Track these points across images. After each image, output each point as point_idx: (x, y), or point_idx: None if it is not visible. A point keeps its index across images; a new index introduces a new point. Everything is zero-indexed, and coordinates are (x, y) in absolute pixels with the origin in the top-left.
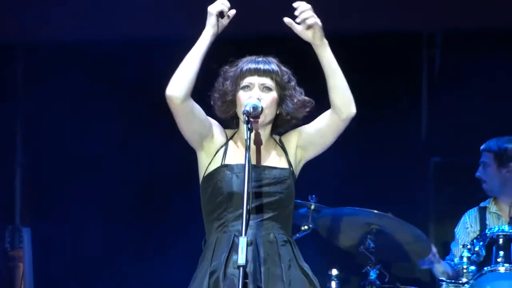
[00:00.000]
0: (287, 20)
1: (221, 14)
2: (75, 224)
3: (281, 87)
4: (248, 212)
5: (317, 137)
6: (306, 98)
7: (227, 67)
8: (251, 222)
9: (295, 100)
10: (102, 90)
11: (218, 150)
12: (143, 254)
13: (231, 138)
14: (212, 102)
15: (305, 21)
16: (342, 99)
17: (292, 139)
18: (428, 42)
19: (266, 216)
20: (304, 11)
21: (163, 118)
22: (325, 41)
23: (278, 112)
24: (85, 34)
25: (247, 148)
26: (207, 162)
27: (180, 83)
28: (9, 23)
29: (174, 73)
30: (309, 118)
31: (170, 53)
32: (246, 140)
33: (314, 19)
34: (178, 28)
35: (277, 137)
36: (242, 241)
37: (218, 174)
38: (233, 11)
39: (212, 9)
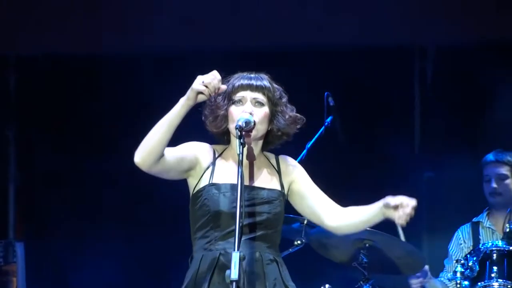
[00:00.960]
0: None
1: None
2: (68, 239)
3: (273, 103)
4: (241, 227)
5: (305, 203)
6: (298, 114)
7: None
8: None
9: (287, 116)
10: (96, 102)
11: (205, 170)
12: (138, 269)
13: (220, 155)
14: (203, 118)
15: (401, 215)
16: (348, 232)
17: (293, 171)
18: (420, 56)
19: (253, 235)
20: (407, 210)
21: None
22: None
23: (269, 128)
24: (81, 46)
25: (240, 163)
26: (195, 182)
27: (148, 153)
28: (3, 35)
29: (144, 139)
30: (299, 134)
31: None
32: (238, 155)
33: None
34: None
35: (271, 155)
36: (235, 256)
37: (205, 192)
38: (223, 87)
39: (196, 86)
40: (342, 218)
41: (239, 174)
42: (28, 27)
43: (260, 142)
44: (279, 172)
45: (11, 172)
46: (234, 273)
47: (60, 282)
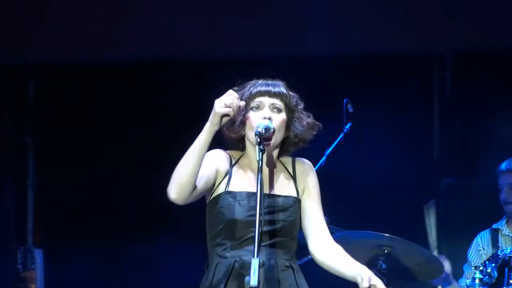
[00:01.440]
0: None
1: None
2: (87, 246)
3: (290, 110)
4: (261, 233)
5: (303, 216)
6: (314, 121)
7: (235, 88)
8: (252, 248)
9: (304, 123)
10: (116, 110)
11: (223, 178)
12: (156, 274)
13: (236, 162)
14: None
15: None
16: (323, 267)
17: (307, 177)
18: (439, 64)
19: (268, 242)
20: None
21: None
22: None
23: (286, 135)
24: (99, 53)
25: (260, 170)
26: (212, 189)
27: (182, 187)
28: (21, 43)
29: (175, 172)
30: (318, 141)
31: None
32: (258, 161)
33: None
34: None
35: (288, 159)
36: (254, 262)
37: (221, 200)
38: (242, 103)
39: (219, 109)
40: (325, 255)
41: (259, 181)
42: (46, 35)
43: (277, 149)
44: (294, 177)
45: (29, 179)
46: (253, 279)
47: None
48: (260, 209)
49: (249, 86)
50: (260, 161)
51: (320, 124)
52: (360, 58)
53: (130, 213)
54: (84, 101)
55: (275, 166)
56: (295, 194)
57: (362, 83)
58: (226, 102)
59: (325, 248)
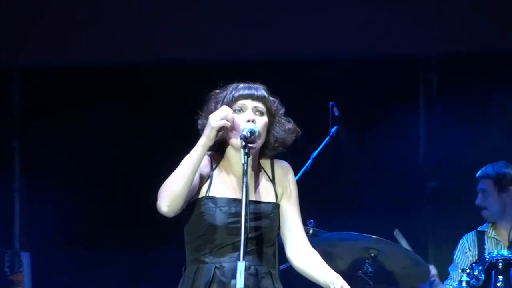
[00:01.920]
0: None
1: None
2: (74, 249)
3: (271, 114)
4: (246, 237)
5: (281, 220)
6: (295, 126)
7: (217, 90)
8: (233, 255)
9: (285, 127)
10: (99, 114)
11: (204, 182)
12: (144, 280)
13: (217, 165)
14: (199, 127)
15: None
16: (299, 272)
17: (285, 180)
18: (424, 66)
19: (248, 249)
20: None
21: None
22: None
23: (266, 139)
24: (84, 59)
25: (245, 173)
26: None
27: (175, 201)
28: (6, 47)
29: (166, 186)
30: (304, 144)
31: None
32: (243, 165)
33: None
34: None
35: (267, 161)
36: (240, 266)
37: (202, 205)
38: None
39: (215, 123)
40: (301, 260)
41: (244, 185)
42: (31, 40)
43: (256, 153)
44: (273, 180)
45: (16, 183)
46: (239, 282)
47: None
48: (246, 214)
49: (230, 89)
50: (246, 164)
51: (299, 130)
52: (345, 61)
53: (118, 217)
54: (70, 105)
55: (255, 170)
56: (274, 199)
57: (347, 86)
58: (221, 115)
59: (301, 254)
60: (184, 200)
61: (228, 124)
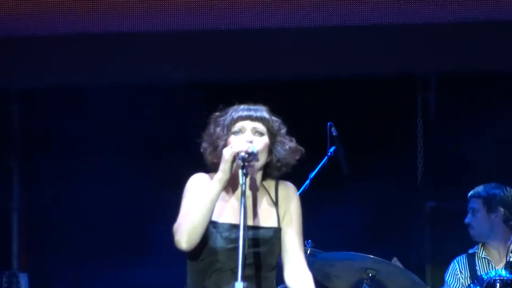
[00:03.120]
0: None
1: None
2: (72, 269)
3: (272, 134)
4: (244, 260)
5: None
6: (297, 145)
7: (217, 113)
8: (232, 280)
9: (287, 147)
10: (98, 135)
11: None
12: None
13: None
14: (202, 149)
15: None
16: None
17: (289, 204)
18: (423, 86)
19: (247, 275)
20: None
21: (159, 158)
22: None
23: (268, 159)
24: (81, 79)
25: (243, 194)
26: None
27: (195, 236)
28: (6, 67)
29: (184, 222)
30: (302, 164)
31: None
32: (241, 185)
33: None
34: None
35: (272, 183)
36: (238, 286)
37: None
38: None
39: (229, 155)
40: (293, 283)
41: (242, 205)
42: (30, 60)
43: (260, 174)
44: (276, 203)
45: (14, 203)
46: None
47: None
48: (244, 238)
49: (230, 111)
50: (244, 185)
51: (303, 149)
52: (344, 81)
53: (117, 236)
54: (68, 126)
55: (258, 191)
56: (276, 223)
57: (345, 106)
58: (234, 147)
59: (295, 276)
60: (200, 237)
61: (243, 151)
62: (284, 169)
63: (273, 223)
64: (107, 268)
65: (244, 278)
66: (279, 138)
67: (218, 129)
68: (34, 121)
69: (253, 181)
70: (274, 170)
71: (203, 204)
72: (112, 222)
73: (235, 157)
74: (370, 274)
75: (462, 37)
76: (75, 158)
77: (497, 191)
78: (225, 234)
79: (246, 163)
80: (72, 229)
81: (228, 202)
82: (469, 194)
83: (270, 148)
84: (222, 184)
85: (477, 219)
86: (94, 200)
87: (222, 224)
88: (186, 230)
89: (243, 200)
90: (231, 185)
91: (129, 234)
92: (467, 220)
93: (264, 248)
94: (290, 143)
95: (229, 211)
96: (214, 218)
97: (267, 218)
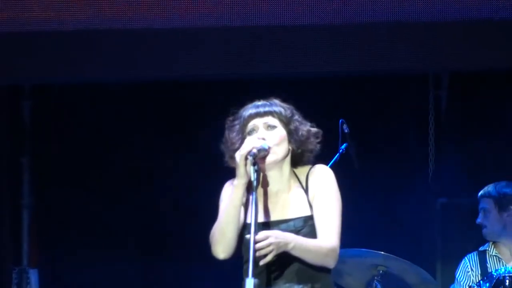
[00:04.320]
0: None
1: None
2: (82, 265)
3: (286, 123)
4: (254, 253)
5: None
6: (312, 129)
7: (230, 118)
8: (266, 279)
9: (301, 133)
10: (112, 129)
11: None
12: None
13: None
14: (224, 156)
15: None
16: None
17: (315, 187)
18: (435, 84)
19: (287, 272)
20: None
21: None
22: (291, 245)
23: (290, 148)
24: (92, 74)
25: (255, 189)
26: None
27: (229, 244)
28: (17, 63)
29: (215, 232)
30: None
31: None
32: (253, 182)
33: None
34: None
35: (306, 168)
36: (249, 283)
37: (242, 232)
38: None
39: (239, 159)
40: None
41: (253, 201)
42: (41, 56)
43: (286, 166)
44: (306, 190)
45: (25, 199)
46: None
47: None
48: (255, 230)
49: (241, 112)
50: (255, 181)
51: (320, 131)
52: (356, 78)
53: (127, 233)
54: (80, 121)
55: (288, 185)
56: (306, 211)
57: (357, 104)
58: (242, 151)
59: None
60: (233, 244)
61: (249, 149)
62: (308, 154)
63: (304, 212)
64: (119, 265)
65: (283, 279)
66: (293, 126)
67: (233, 134)
68: (45, 117)
69: (277, 177)
70: (298, 157)
71: (227, 212)
72: (124, 219)
73: (247, 158)
74: (381, 271)
75: (475, 35)
76: (86, 154)
77: (507, 190)
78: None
79: (257, 160)
80: (83, 226)
81: (260, 201)
82: (480, 194)
83: (289, 138)
84: (241, 188)
85: (489, 219)
86: (105, 196)
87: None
88: (217, 241)
89: (254, 197)
90: (264, 184)
91: (142, 231)
92: (479, 220)
93: None
94: (305, 128)
95: (260, 211)
96: (248, 220)
97: (297, 208)
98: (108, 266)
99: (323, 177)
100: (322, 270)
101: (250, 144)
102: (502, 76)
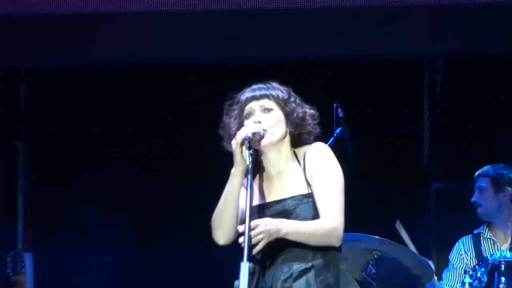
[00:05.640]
0: None
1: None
2: (77, 249)
3: (282, 105)
4: (249, 237)
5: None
6: (309, 110)
7: (228, 103)
8: (263, 260)
9: (296, 115)
10: (106, 115)
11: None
12: (148, 280)
13: (254, 177)
14: (222, 137)
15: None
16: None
17: (312, 164)
18: (429, 68)
19: (284, 251)
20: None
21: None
22: (283, 231)
23: (288, 130)
24: (88, 57)
25: (250, 172)
26: None
27: (229, 231)
28: (12, 45)
29: (215, 219)
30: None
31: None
32: (248, 165)
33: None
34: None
35: (304, 148)
36: (244, 267)
37: (240, 216)
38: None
39: (234, 146)
40: None
41: (249, 184)
42: (38, 39)
43: (285, 147)
44: (304, 169)
45: (20, 183)
46: (243, 284)
47: None
48: (250, 215)
49: (238, 96)
50: (250, 164)
51: (317, 112)
52: (350, 62)
53: (124, 216)
54: (75, 105)
55: (286, 165)
56: (303, 189)
57: (352, 88)
58: (237, 138)
59: None
60: (233, 230)
61: (244, 136)
62: (305, 136)
63: (300, 190)
64: (114, 248)
65: (282, 255)
66: (290, 108)
67: (231, 119)
68: (41, 101)
69: (275, 159)
70: (296, 139)
71: (225, 199)
72: (121, 201)
73: (241, 146)
74: (376, 255)
75: (469, 18)
76: (81, 138)
77: (505, 172)
78: (255, 216)
79: (252, 144)
80: (78, 210)
81: (258, 185)
82: (477, 173)
83: (286, 120)
84: (238, 175)
85: (484, 197)
86: (100, 180)
87: (250, 208)
88: (216, 227)
89: (249, 180)
90: (259, 167)
91: (139, 214)
92: (474, 199)
93: (291, 218)
94: (302, 110)
95: (257, 194)
96: (243, 204)
97: (293, 187)
98: (104, 249)
99: (320, 154)
100: (323, 248)
101: (245, 131)
102: (497, 60)
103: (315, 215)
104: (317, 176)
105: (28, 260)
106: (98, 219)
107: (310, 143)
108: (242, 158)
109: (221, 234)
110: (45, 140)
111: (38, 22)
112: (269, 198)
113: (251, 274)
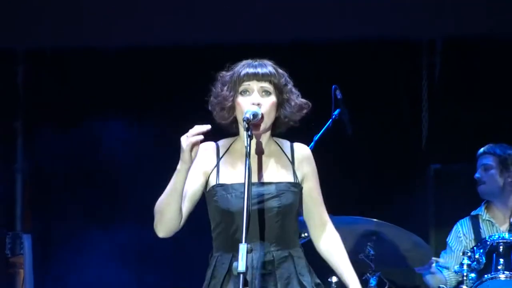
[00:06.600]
0: None
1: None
2: (76, 231)
3: (279, 91)
4: (248, 219)
5: (303, 205)
6: (303, 100)
7: (223, 72)
8: (252, 246)
9: (293, 104)
10: (104, 97)
11: (211, 172)
12: (145, 266)
13: (227, 150)
14: (210, 108)
15: None
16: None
17: (306, 166)
18: (428, 49)
19: (264, 234)
20: None
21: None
22: None
23: (276, 115)
24: (87, 40)
25: (247, 155)
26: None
27: (169, 225)
28: (10, 27)
29: (157, 211)
30: (306, 127)
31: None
32: (246, 147)
33: None
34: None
35: (286, 142)
36: (242, 248)
37: (215, 193)
38: (207, 127)
39: (186, 145)
40: (323, 247)
41: (247, 166)
42: (36, 20)
43: (269, 131)
44: (293, 162)
45: (18, 164)
46: (241, 265)
47: (67, 274)
48: (248, 196)
49: (237, 68)
50: (248, 147)
51: (310, 103)
52: (348, 44)
53: (122, 197)
54: (74, 87)
55: (269, 149)
56: (291, 179)
57: (350, 69)
58: (188, 135)
59: (324, 240)
60: (179, 220)
61: (198, 138)
62: (291, 123)
63: (288, 179)
64: (112, 229)
65: (260, 239)
66: (286, 96)
67: (225, 89)
68: (39, 82)
69: (260, 142)
70: (281, 126)
71: (168, 195)
72: (118, 183)
73: (193, 146)
74: (374, 237)
75: (468, 0)
76: (80, 119)
77: (511, 152)
78: (237, 193)
79: (251, 125)
80: (76, 191)
81: (237, 163)
82: (481, 150)
83: (278, 106)
84: (184, 173)
85: (489, 175)
86: (98, 161)
87: (232, 185)
88: (159, 220)
89: (247, 162)
90: (239, 147)
91: (133, 196)
92: (477, 175)
93: (277, 202)
94: (296, 99)
95: (238, 172)
96: (222, 181)
97: (281, 174)
98: (101, 230)
99: (312, 161)
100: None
101: (197, 129)
102: (496, 42)
103: (296, 204)
104: (313, 186)
105: (26, 241)
106: (97, 201)
107: (283, 131)
108: (190, 156)
109: (162, 227)
110: (44, 121)
111: (36, 3)
112: (255, 178)
113: (248, 253)
